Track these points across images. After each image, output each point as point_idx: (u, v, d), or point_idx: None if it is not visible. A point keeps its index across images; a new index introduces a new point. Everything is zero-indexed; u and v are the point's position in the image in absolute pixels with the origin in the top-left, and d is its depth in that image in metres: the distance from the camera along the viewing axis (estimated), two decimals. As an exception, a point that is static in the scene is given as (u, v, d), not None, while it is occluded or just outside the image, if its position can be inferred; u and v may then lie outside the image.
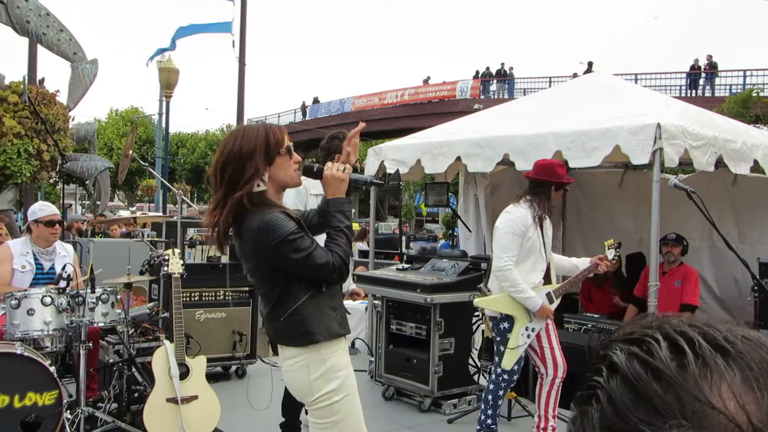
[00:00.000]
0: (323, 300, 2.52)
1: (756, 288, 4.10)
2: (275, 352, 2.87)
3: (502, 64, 30.83)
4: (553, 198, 4.23)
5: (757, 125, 9.81)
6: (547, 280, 4.21)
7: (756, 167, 5.33)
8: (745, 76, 24.00)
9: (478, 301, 4.47)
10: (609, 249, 4.41)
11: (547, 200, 4.18)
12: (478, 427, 4.27)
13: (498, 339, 4.23)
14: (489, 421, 4.21)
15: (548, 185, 4.18)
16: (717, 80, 25.34)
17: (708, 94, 24.42)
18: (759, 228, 6.62)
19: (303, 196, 4.33)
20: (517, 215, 4.14)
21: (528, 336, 4.14)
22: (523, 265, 4.13)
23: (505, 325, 4.18)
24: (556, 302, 4.20)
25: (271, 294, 2.53)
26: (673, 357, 0.54)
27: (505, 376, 4.19)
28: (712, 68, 25.37)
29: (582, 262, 4.41)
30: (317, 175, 2.63)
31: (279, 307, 2.51)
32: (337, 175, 2.55)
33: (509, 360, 4.12)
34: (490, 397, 4.23)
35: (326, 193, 2.60)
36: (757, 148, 5.26)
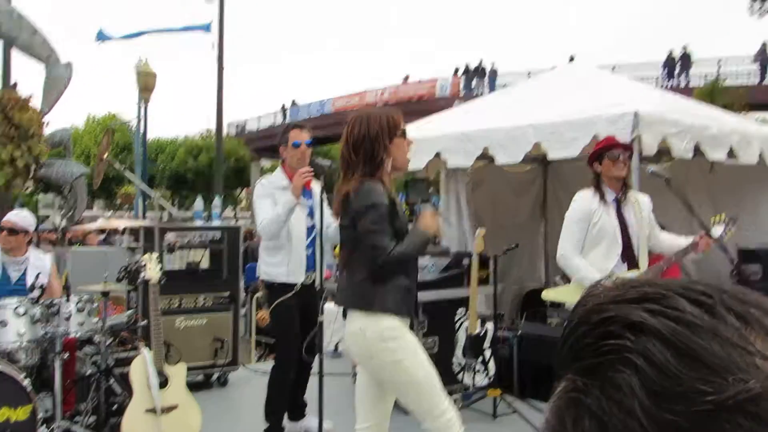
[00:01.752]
0: (388, 280, 2.77)
1: (735, 273, 4.07)
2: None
3: (481, 60, 30.89)
4: (605, 171, 3.89)
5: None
6: (633, 265, 3.91)
7: (731, 153, 5.33)
8: (719, 65, 24.21)
9: (546, 293, 4.38)
10: (716, 225, 3.94)
11: (596, 179, 3.93)
12: None
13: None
14: None
15: (591, 164, 3.97)
16: (692, 69, 25.55)
17: (683, 83, 24.61)
18: (736, 214, 6.63)
19: (267, 189, 4.28)
20: (577, 202, 3.97)
21: None
22: (596, 251, 3.91)
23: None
24: None
25: (350, 257, 2.84)
26: (703, 311, 0.48)
27: None
28: (686, 58, 25.58)
29: (686, 241, 3.97)
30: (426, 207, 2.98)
31: (353, 273, 2.82)
32: (430, 224, 2.89)
33: None
34: None
35: (420, 223, 2.89)
36: (733, 135, 5.26)
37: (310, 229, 4.34)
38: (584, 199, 3.95)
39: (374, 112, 2.94)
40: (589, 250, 3.94)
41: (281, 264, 4.27)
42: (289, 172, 4.32)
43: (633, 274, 3.90)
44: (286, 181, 4.27)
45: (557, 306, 6.20)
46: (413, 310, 2.92)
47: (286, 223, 4.17)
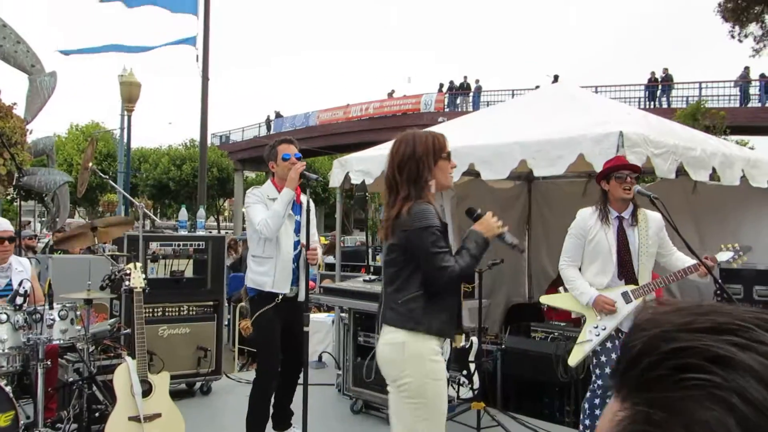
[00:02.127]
0: (438, 299, 2.81)
1: (718, 292, 4.13)
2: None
3: (465, 77, 31.14)
4: (611, 191, 3.96)
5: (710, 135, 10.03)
6: (631, 281, 3.97)
7: (714, 175, 5.42)
8: (700, 88, 24.60)
9: (544, 299, 4.48)
10: (724, 251, 4.05)
11: (603, 196, 4.01)
12: None
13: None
14: None
15: (599, 181, 4.04)
16: (673, 92, 25.95)
17: (665, 105, 24.98)
18: (718, 234, 6.73)
19: (262, 197, 4.32)
20: (578, 218, 4.09)
21: (597, 334, 3.96)
22: (591, 268, 4.02)
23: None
24: (636, 302, 3.93)
25: (396, 275, 2.85)
26: None
27: (599, 382, 3.96)
28: (667, 80, 25.99)
29: (690, 263, 4.00)
30: (475, 219, 2.98)
31: (399, 291, 2.82)
32: (493, 224, 2.93)
33: (574, 356, 4.00)
34: (586, 405, 4.06)
35: (475, 227, 2.92)
36: (715, 156, 5.36)
37: (296, 244, 4.37)
38: (582, 217, 4.07)
39: (420, 132, 2.96)
40: (588, 265, 4.06)
41: (268, 274, 4.29)
42: (278, 185, 4.36)
43: (628, 288, 3.97)
44: (276, 194, 4.30)
45: (540, 320, 6.25)
46: (457, 327, 2.98)
47: (284, 220, 4.21)
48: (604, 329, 3.96)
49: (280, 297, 4.29)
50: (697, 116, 15.20)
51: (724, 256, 4.01)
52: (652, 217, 4.06)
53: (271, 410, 4.48)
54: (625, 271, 3.99)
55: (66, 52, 12.80)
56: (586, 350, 3.97)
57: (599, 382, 3.98)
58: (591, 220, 4.00)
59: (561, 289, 4.31)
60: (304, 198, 4.43)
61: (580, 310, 4.05)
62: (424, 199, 2.82)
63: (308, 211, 4.22)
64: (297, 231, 4.39)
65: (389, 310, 2.87)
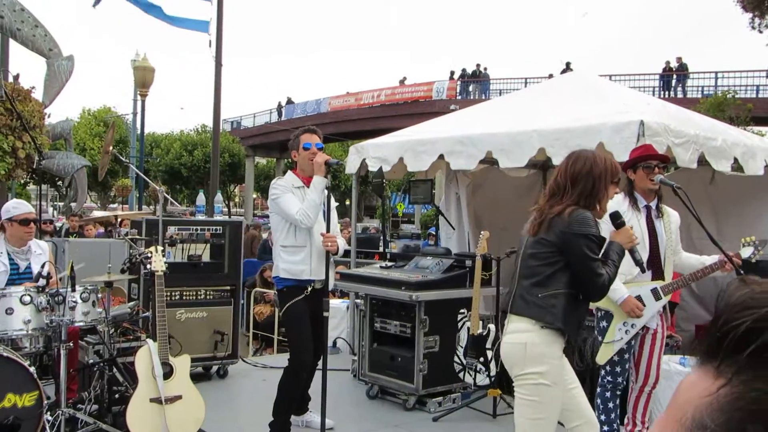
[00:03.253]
0: (578, 303, 2.95)
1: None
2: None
3: (478, 65, 30.95)
4: (637, 181, 3.91)
5: (732, 126, 9.96)
6: (658, 274, 3.94)
7: (736, 165, 5.39)
8: (716, 78, 24.38)
9: None
10: (745, 246, 4.05)
11: (629, 186, 3.94)
12: None
13: (600, 338, 4.02)
14: (605, 428, 3.93)
15: (625, 170, 3.95)
16: (689, 82, 25.71)
17: (680, 95, 24.77)
18: (736, 225, 6.71)
19: (288, 187, 4.34)
20: (609, 204, 4.03)
21: (626, 332, 3.88)
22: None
23: (603, 324, 3.97)
24: (665, 299, 3.91)
25: (540, 269, 2.93)
26: None
27: (609, 378, 3.96)
28: (682, 70, 25.75)
29: (711, 260, 4.00)
30: (619, 225, 3.19)
31: (540, 285, 2.92)
32: (631, 237, 3.18)
33: (603, 355, 3.92)
34: (599, 401, 4.02)
35: (614, 237, 3.14)
36: (737, 146, 5.33)
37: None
38: (614, 203, 3.88)
39: (599, 154, 3.17)
40: None
41: (304, 262, 4.27)
42: (300, 175, 4.38)
43: (658, 284, 3.91)
44: (300, 183, 4.33)
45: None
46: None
47: (321, 207, 4.24)
48: (633, 326, 3.89)
49: (310, 288, 4.28)
50: (724, 107, 15.05)
51: (745, 252, 3.98)
52: (673, 214, 4.05)
53: None
54: (655, 261, 3.93)
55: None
56: (615, 349, 3.89)
57: (609, 378, 3.95)
58: (623, 206, 3.86)
59: None
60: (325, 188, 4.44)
61: (606, 307, 3.92)
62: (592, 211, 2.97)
63: (329, 199, 4.22)
64: (325, 219, 4.40)
65: (522, 301, 2.97)
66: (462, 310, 5.08)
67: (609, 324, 3.94)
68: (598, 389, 4.05)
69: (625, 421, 4.16)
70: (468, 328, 4.89)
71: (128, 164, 6.11)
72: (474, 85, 30.73)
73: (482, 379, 4.82)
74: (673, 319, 6.06)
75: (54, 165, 7.73)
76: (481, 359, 4.79)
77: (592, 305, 4.10)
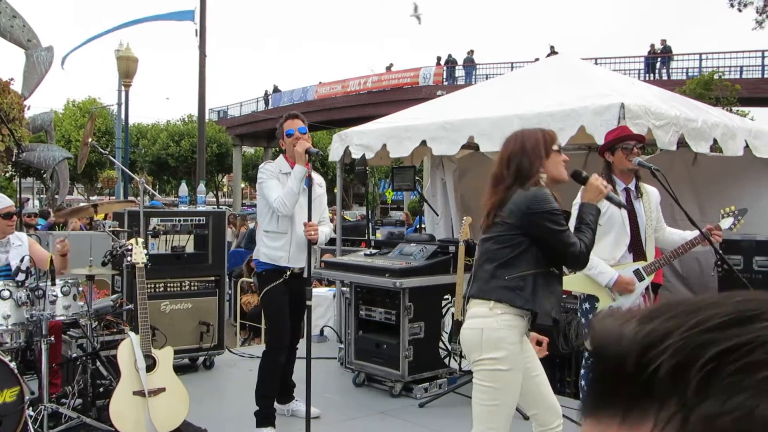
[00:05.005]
0: (551, 281, 2.91)
1: (719, 263, 4.13)
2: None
3: (471, 51, 30.71)
4: (616, 163, 3.87)
5: (718, 106, 9.99)
6: (639, 256, 3.93)
7: (715, 146, 5.41)
8: (701, 60, 24.44)
9: None
10: (725, 217, 4.01)
11: (607, 169, 3.90)
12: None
13: (583, 322, 4.06)
14: None
15: (602, 153, 3.97)
16: (673, 64, 25.77)
17: (665, 77, 24.82)
18: (718, 206, 6.67)
19: (275, 172, 4.37)
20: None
21: None
22: (605, 240, 3.87)
23: (586, 305, 3.98)
24: (648, 279, 3.91)
25: (503, 252, 2.88)
26: None
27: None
28: (666, 52, 25.79)
29: (692, 235, 3.96)
30: (583, 181, 3.09)
31: (505, 268, 2.85)
32: (600, 186, 3.05)
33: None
34: (583, 383, 4.08)
35: (583, 197, 3.08)
36: (717, 128, 5.34)
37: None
38: None
39: (529, 129, 3.09)
40: (599, 239, 3.86)
41: (283, 248, 4.31)
42: (290, 161, 4.39)
43: (640, 265, 3.90)
44: (288, 168, 4.34)
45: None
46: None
47: (299, 197, 4.22)
48: (619, 309, 3.91)
49: (288, 273, 4.32)
50: (710, 86, 15.08)
51: (726, 224, 3.96)
52: (652, 191, 4.03)
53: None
54: (636, 243, 3.93)
55: (64, 59, 12.69)
56: None
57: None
58: None
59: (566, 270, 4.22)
60: (318, 177, 4.49)
61: (592, 291, 3.92)
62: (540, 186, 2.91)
63: (309, 188, 4.19)
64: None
65: (485, 284, 2.90)
66: (446, 296, 5.10)
67: (591, 306, 3.95)
68: (582, 371, 4.07)
69: None
70: (452, 314, 4.90)
71: (108, 156, 6.04)
72: (460, 69, 30.65)
73: (467, 365, 4.83)
74: (656, 300, 6.09)
75: (35, 158, 7.66)
76: (466, 345, 4.81)
77: (576, 290, 4.13)
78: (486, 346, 2.80)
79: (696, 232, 3.92)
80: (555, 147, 2.98)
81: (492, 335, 2.80)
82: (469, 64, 30.30)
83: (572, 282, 4.13)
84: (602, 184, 3.05)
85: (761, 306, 0.45)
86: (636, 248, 3.93)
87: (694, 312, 0.46)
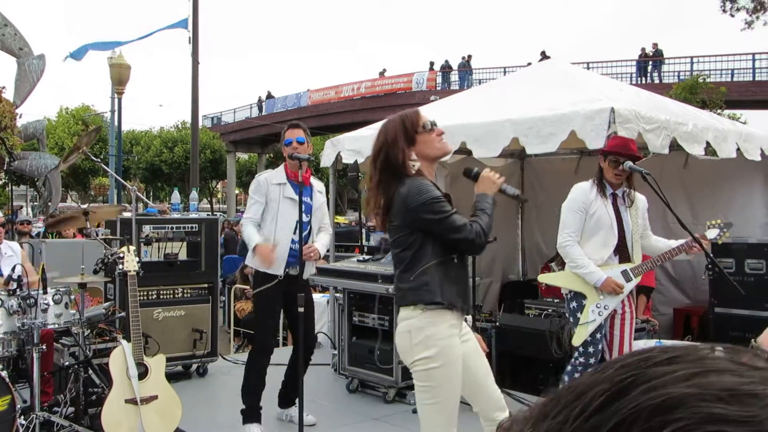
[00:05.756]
0: (452, 268, 2.80)
1: (710, 266, 4.16)
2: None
3: (468, 56, 30.72)
4: (605, 171, 4.00)
5: (705, 110, 10.04)
6: (625, 259, 4.03)
7: (708, 149, 5.43)
8: (692, 63, 24.56)
9: (542, 277, 4.50)
10: (711, 228, 4.12)
11: (599, 172, 4.04)
12: None
13: (570, 319, 4.12)
14: None
15: (600, 156, 4.09)
16: (665, 67, 25.89)
17: (656, 81, 24.93)
18: (710, 209, 6.77)
19: (263, 186, 4.41)
20: (576, 191, 4.07)
21: (600, 313, 3.96)
22: (593, 240, 4.00)
23: (573, 304, 4.05)
24: (635, 281, 4.01)
25: (403, 255, 2.82)
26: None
27: (581, 359, 4.01)
28: (657, 56, 25.92)
29: (677, 243, 4.11)
30: (474, 177, 2.98)
31: (408, 270, 2.79)
32: (493, 179, 2.93)
33: (578, 337, 3.99)
34: (565, 378, 4.13)
35: (478, 189, 2.94)
36: (708, 131, 5.36)
37: (305, 224, 4.38)
38: (582, 190, 4.04)
39: (391, 118, 2.96)
40: (588, 239, 4.02)
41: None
42: (287, 170, 4.47)
43: (628, 266, 4.01)
44: (283, 179, 4.45)
45: (534, 298, 6.29)
46: (467, 303, 2.94)
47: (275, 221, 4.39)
48: (606, 308, 3.97)
49: (281, 275, 4.36)
50: (696, 89, 15.17)
51: (711, 234, 4.07)
52: (640, 199, 4.13)
53: (280, 388, 4.72)
54: (622, 246, 4.01)
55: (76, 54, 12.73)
56: (590, 330, 3.97)
57: (581, 359, 4.02)
58: (591, 193, 3.99)
59: (553, 266, 4.32)
60: (317, 183, 4.62)
61: (579, 289, 4.00)
62: (416, 176, 2.81)
63: (300, 204, 4.18)
64: (308, 212, 4.44)
65: (399, 292, 2.87)
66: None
67: (578, 304, 4.02)
68: (569, 368, 4.13)
69: None
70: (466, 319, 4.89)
71: (99, 163, 6.02)
72: (455, 74, 30.70)
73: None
74: (649, 303, 6.11)
75: (27, 166, 7.63)
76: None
77: (563, 289, 4.18)
78: (416, 347, 2.76)
79: (682, 241, 4.02)
80: (421, 128, 2.85)
81: (419, 335, 2.75)
82: (463, 69, 30.36)
83: (560, 279, 4.20)
84: (495, 177, 2.94)
85: (634, 370, 0.45)
86: (622, 251, 4.02)
87: (578, 397, 0.46)
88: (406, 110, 2.97)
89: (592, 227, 4.00)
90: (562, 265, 4.41)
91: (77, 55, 14.75)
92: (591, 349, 3.99)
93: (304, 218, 4.32)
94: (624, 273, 3.98)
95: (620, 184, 4.01)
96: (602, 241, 3.99)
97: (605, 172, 4.00)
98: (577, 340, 4.02)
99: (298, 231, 4.22)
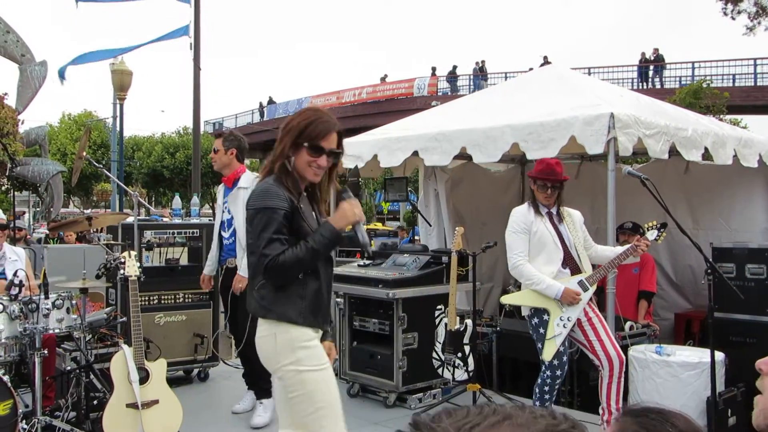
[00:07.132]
0: (293, 285, 2.52)
1: (709, 271, 4.17)
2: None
3: (483, 62, 30.82)
4: (536, 192, 4.25)
5: (708, 115, 10.05)
6: (576, 270, 4.21)
7: (706, 155, 5.44)
8: (693, 68, 24.59)
9: (505, 298, 4.59)
10: (650, 230, 4.29)
11: (532, 193, 4.30)
12: None
13: (534, 336, 4.22)
14: None
15: (532, 181, 4.33)
16: (666, 72, 25.93)
17: (658, 86, 24.96)
18: (710, 214, 6.79)
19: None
20: (515, 215, 4.28)
21: (564, 326, 4.09)
22: (538, 258, 4.19)
23: (535, 321, 4.19)
24: (592, 289, 4.16)
25: (250, 260, 2.59)
26: None
27: (548, 372, 4.11)
28: (658, 61, 25.95)
29: (623, 248, 4.31)
30: (339, 199, 2.64)
31: (253, 277, 2.58)
32: (350, 213, 2.57)
33: (548, 351, 4.09)
34: (536, 390, 4.20)
35: (330, 218, 2.62)
36: (707, 136, 5.38)
37: (229, 221, 4.90)
38: (521, 213, 4.28)
39: (309, 109, 2.68)
40: (534, 257, 4.22)
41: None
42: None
43: (583, 276, 4.19)
44: None
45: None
46: (324, 316, 2.64)
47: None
48: (570, 320, 4.13)
49: (221, 270, 5.12)
50: (700, 95, 15.17)
51: (651, 235, 4.25)
52: (575, 213, 4.38)
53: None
54: (569, 258, 4.22)
55: (61, 71, 12.70)
56: (558, 344, 4.10)
57: (549, 372, 4.13)
58: (530, 214, 4.23)
59: (510, 288, 4.48)
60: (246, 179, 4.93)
61: (542, 305, 4.16)
62: (280, 179, 2.56)
63: (221, 230, 4.43)
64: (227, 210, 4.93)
65: (250, 298, 2.63)
66: (439, 306, 5.11)
67: (539, 320, 4.17)
68: (539, 380, 4.21)
69: (600, 411, 4.22)
70: (445, 324, 4.91)
71: (101, 169, 6.05)
72: (463, 79, 30.77)
73: (461, 374, 4.84)
74: (650, 308, 6.11)
75: (29, 172, 7.68)
76: (459, 354, 4.82)
77: (523, 309, 4.31)
78: (281, 351, 2.51)
79: (626, 246, 4.26)
80: (306, 143, 2.54)
81: (284, 338, 2.51)
82: (480, 74, 30.35)
83: (521, 298, 4.33)
84: (354, 214, 2.58)
85: (476, 418, 0.49)
86: (570, 264, 4.23)
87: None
88: (324, 115, 2.63)
89: (536, 245, 4.21)
90: (518, 287, 4.54)
91: (77, 62, 14.79)
92: (556, 362, 4.12)
93: (226, 216, 4.94)
94: (580, 283, 4.17)
95: (551, 204, 4.25)
96: (548, 257, 4.19)
97: (536, 194, 4.26)
98: (547, 355, 4.13)
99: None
